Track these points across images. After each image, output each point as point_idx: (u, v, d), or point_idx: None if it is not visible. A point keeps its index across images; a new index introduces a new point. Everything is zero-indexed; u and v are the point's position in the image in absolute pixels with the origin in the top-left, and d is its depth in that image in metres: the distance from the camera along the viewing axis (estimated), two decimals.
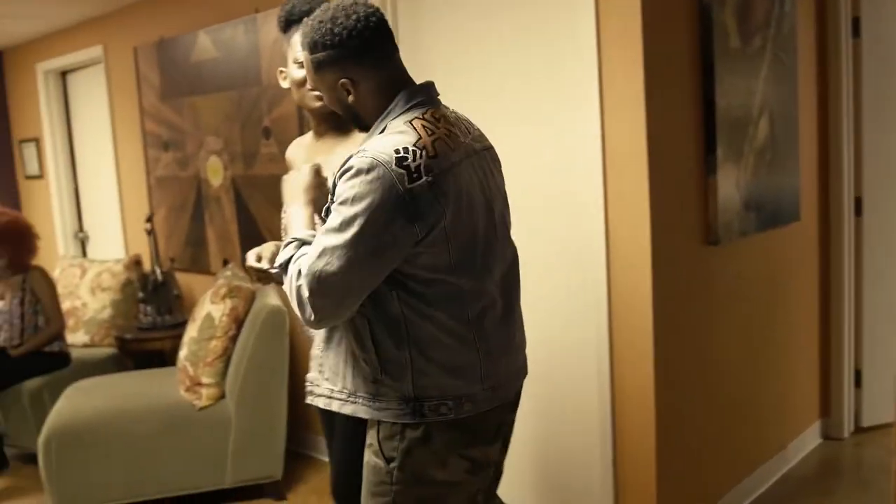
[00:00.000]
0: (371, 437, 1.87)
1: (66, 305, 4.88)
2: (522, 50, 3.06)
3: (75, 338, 4.91)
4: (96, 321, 4.91)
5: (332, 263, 1.64)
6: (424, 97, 1.82)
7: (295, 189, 1.93)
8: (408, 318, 1.77)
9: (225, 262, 4.55)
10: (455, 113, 1.92)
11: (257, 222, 4.31)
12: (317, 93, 2.17)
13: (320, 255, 1.65)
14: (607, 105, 2.80)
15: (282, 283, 1.80)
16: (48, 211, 6.32)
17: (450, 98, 3.18)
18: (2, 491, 4.16)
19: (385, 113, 1.80)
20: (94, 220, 6.12)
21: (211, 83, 4.46)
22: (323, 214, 1.79)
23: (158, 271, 4.51)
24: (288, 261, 1.75)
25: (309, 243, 1.75)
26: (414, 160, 1.66)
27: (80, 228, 6.26)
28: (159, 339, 4.39)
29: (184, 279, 4.84)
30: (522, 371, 2.02)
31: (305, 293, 1.67)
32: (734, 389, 3.32)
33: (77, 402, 3.76)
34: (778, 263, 3.58)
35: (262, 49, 4.10)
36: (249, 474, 3.67)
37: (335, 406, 1.90)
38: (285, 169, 3.99)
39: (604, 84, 2.80)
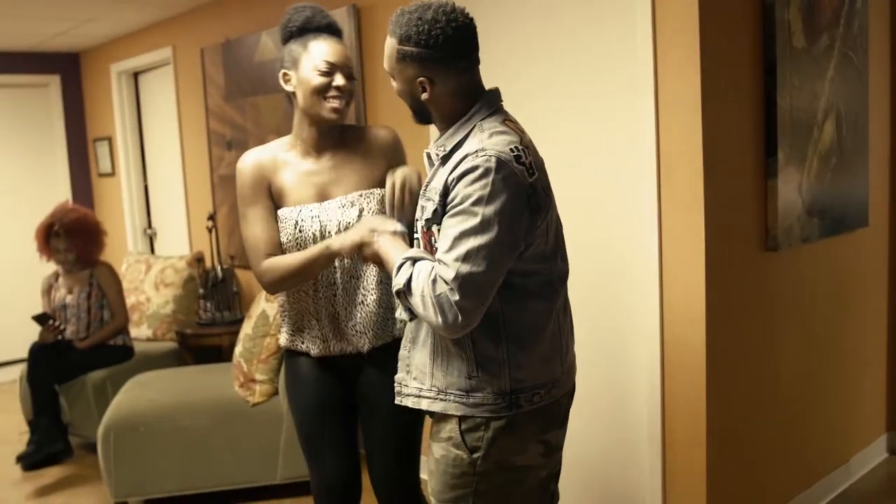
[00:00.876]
0: (449, 431, 1.88)
1: (130, 300, 5.01)
2: (577, 50, 3.02)
3: (139, 332, 5.03)
4: (159, 316, 5.02)
5: (480, 264, 1.69)
6: (500, 103, 1.92)
7: (375, 226, 2.04)
8: (506, 314, 1.82)
9: None
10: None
11: None
12: (334, 104, 2.24)
13: (465, 259, 1.69)
14: (662, 106, 2.74)
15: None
16: (119, 207, 6.50)
17: (505, 100, 3.15)
18: (65, 478, 4.29)
19: (470, 114, 1.86)
20: (162, 216, 6.27)
21: (272, 83, 4.52)
22: (425, 218, 1.85)
23: (219, 268, 4.59)
24: (409, 279, 1.78)
25: (419, 260, 1.81)
26: (525, 157, 1.76)
27: (149, 225, 6.42)
28: (217, 335, 4.46)
29: (243, 276, 4.92)
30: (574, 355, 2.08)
31: (455, 297, 1.69)
32: (793, 400, 3.21)
33: (135, 394, 3.85)
34: (843, 271, 3.45)
35: None
36: (299, 471, 3.70)
37: (424, 404, 1.92)
38: None
39: (659, 84, 2.74)
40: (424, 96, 1.86)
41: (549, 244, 1.84)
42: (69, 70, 6.92)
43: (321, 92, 2.25)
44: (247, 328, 3.81)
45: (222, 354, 4.53)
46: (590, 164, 3.02)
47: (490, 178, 1.69)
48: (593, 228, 3.02)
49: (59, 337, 4.41)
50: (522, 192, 1.73)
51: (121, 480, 3.62)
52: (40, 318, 4.36)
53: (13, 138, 6.70)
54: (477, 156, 1.72)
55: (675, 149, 2.72)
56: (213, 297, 4.58)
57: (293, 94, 2.31)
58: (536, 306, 1.84)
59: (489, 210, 1.69)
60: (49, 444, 4.38)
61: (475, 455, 1.85)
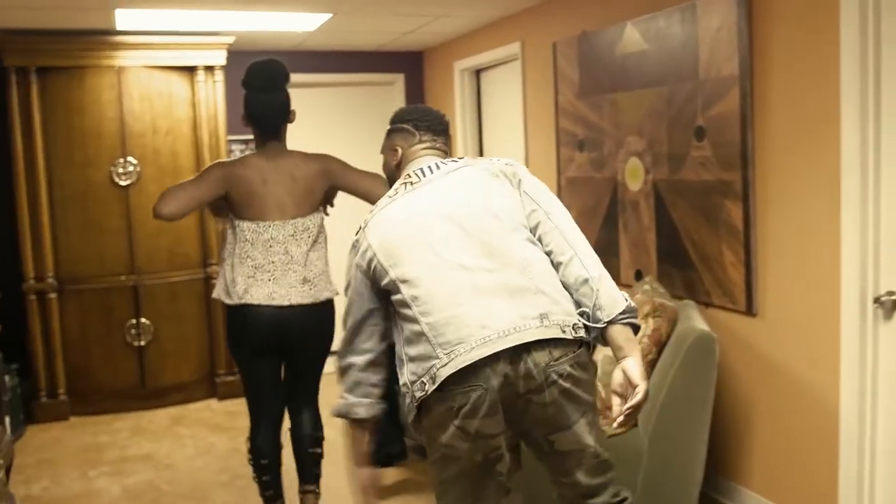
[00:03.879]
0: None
1: None
2: None
3: None
4: None
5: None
6: (414, 169, 2.50)
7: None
8: (396, 321, 2.33)
9: (637, 274, 4.18)
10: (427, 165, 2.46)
11: (679, 232, 3.87)
12: None
13: None
14: None
15: None
16: None
17: None
18: (400, 482, 4.21)
19: None
20: None
21: (636, 78, 4.11)
22: None
23: None
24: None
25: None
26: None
27: None
28: None
29: None
30: (512, 331, 2.14)
31: None
32: None
33: None
34: None
35: (700, 39, 3.65)
36: None
37: None
38: (719, 175, 3.51)
39: None
40: (394, 161, 2.58)
41: (385, 268, 2.31)
42: (413, 68, 7.01)
43: None
44: (605, 350, 3.43)
45: None
46: None
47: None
48: None
49: None
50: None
51: None
52: None
53: (359, 134, 6.89)
54: None
55: None
56: None
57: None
58: (401, 317, 2.29)
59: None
60: (387, 444, 4.32)
61: (415, 424, 2.31)
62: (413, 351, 2.21)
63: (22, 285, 5.35)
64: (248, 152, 4.81)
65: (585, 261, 2.25)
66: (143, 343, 5.56)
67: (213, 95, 5.67)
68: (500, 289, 2.18)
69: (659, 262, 4.03)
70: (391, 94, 6.99)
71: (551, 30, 4.96)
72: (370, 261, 2.32)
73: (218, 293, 3.43)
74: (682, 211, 3.84)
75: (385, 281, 2.29)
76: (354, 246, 2.40)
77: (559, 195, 4.92)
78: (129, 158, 5.48)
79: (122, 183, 5.48)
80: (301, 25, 5.51)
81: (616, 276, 4.36)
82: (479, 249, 2.23)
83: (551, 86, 4.95)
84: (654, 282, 3.71)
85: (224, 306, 3.46)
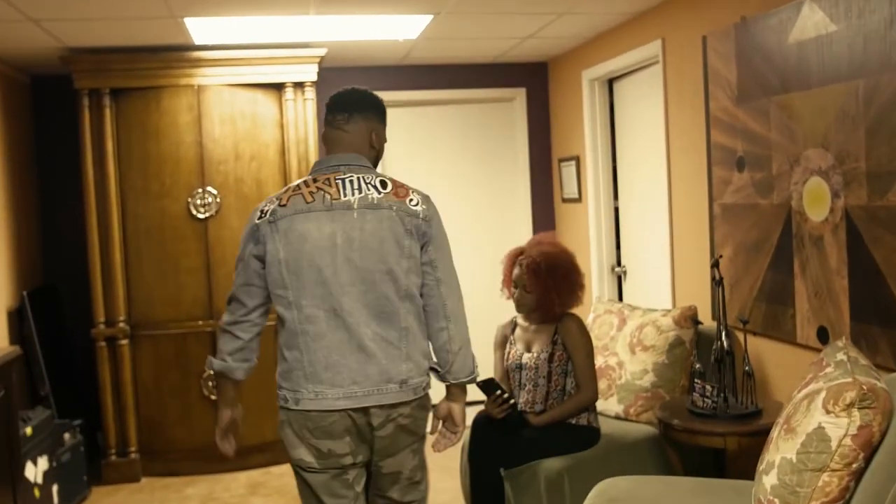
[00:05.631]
0: None
1: (598, 362, 3.85)
2: None
3: (606, 405, 3.88)
4: (633, 388, 3.81)
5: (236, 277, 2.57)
6: (322, 167, 2.58)
7: None
8: (278, 325, 2.54)
9: (822, 333, 3.12)
10: (351, 178, 2.52)
11: (884, 278, 2.81)
12: None
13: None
14: None
15: None
16: (584, 240, 5.49)
17: None
18: None
19: None
20: (635, 252, 5.12)
21: (818, 72, 3.09)
22: None
23: (724, 335, 3.25)
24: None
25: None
26: (269, 207, 2.50)
27: (618, 262, 5.31)
28: (720, 435, 3.10)
29: (759, 349, 3.50)
30: (375, 392, 2.45)
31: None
32: None
33: None
34: None
35: None
36: None
37: None
38: None
39: None
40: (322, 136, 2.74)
41: (284, 277, 2.44)
42: (536, 82, 6.15)
43: None
44: (786, 448, 2.40)
45: (726, 464, 3.17)
46: None
47: None
48: None
49: (508, 410, 3.43)
50: (249, 228, 2.51)
51: None
52: (486, 386, 3.40)
53: (475, 158, 6.08)
54: None
55: None
56: (715, 377, 3.25)
57: None
58: (282, 327, 2.49)
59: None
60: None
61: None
62: (284, 363, 2.48)
63: (91, 331, 4.79)
64: None
65: (453, 335, 2.58)
66: None
67: (304, 115, 4.98)
68: (377, 350, 2.44)
69: (853, 318, 2.97)
70: (510, 111, 6.14)
71: (700, 20, 3.98)
72: (271, 264, 2.46)
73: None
74: (890, 249, 2.78)
75: (280, 292, 2.46)
76: (255, 231, 2.48)
77: (711, 228, 3.91)
78: (209, 188, 4.86)
79: (200, 216, 4.85)
80: (401, 32, 4.77)
81: (789, 333, 3.32)
82: (373, 311, 2.45)
83: (701, 91, 3.96)
84: (851, 347, 2.66)
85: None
